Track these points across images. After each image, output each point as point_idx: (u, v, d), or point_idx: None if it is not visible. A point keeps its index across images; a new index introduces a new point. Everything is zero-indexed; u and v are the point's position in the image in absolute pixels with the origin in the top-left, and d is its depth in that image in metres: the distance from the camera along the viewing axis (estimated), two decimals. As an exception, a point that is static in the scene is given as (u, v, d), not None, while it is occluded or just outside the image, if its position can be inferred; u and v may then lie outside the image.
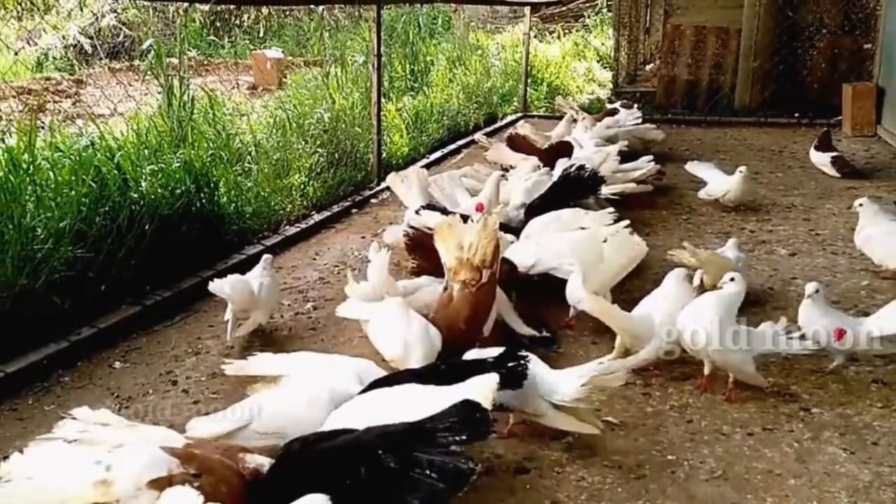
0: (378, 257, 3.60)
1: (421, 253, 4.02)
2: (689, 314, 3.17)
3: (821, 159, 6.93)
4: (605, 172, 5.50)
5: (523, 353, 2.76)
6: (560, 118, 8.17)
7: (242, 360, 3.07)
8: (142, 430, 2.28)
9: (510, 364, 2.69)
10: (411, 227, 4.17)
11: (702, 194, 5.91)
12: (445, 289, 3.39)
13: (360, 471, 2.13)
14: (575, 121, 7.49)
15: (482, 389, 2.43)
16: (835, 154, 6.87)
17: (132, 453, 2.05)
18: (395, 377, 2.73)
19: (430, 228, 3.91)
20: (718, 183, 5.85)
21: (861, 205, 4.46)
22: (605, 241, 3.79)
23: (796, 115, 9.64)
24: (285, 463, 2.22)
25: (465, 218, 3.71)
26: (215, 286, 3.62)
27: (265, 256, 3.88)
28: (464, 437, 2.20)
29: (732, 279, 3.22)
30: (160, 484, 1.93)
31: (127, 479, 1.94)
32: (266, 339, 3.77)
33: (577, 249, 3.80)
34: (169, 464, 2.01)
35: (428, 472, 2.11)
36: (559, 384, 2.73)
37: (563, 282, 3.88)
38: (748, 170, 5.75)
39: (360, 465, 2.14)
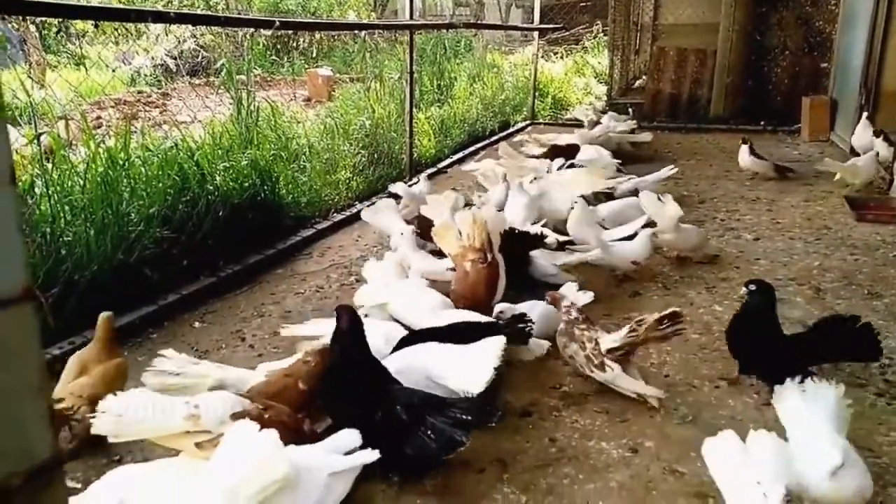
0: (406, 237, 3.68)
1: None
2: None
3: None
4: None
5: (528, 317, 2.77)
6: (566, 125, 8.16)
7: (298, 324, 3.13)
8: (226, 369, 2.50)
9: (519, 325, 2.72)
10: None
11: None
12: (454, 269, 3.43)
13: (376, 414, 2.20)
14: (596, 123, 7.51)
15: (493, 349, 2.44)
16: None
17: (215, 396, 2.16)
18: (419, 334, 2.75)
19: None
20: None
21: None
22: (658, 198, 4.35)
23: (762, 122, 9.47)
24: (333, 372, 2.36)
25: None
26: (367, 214, 4.44)
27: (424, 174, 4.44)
28: (469, 418, 2.19)
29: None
30: (239, 416, 2.04)
31: (214, 413, 2.03)
32: (317, 305, 3.82)
33: (645, 206, 4.37)
34: (244, 403, 2.13)
35: (429, 432, 2.13)
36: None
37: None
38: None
39: (377, 410, 2.21)
